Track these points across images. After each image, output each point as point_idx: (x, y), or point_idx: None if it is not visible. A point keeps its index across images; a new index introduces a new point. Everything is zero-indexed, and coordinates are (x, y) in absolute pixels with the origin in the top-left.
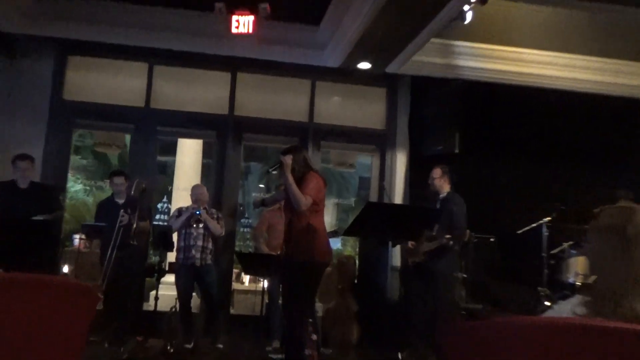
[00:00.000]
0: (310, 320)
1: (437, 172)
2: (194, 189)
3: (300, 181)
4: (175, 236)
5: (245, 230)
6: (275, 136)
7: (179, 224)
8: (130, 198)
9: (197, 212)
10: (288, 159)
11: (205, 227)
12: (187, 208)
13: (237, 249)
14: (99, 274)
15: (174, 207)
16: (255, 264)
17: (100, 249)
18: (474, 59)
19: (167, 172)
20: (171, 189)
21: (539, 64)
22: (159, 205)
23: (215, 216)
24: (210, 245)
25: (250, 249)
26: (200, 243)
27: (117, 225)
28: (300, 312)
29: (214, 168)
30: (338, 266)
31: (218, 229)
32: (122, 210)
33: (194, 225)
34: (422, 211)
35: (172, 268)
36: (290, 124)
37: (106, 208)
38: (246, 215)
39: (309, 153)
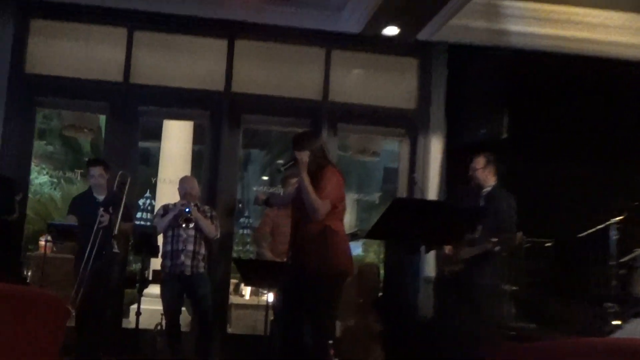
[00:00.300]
0: (331, 342)
1: (480, 162)
2: (183, 181)
3: (315, 177)
4: (160, 239)
5: (245, 232)
6: (281, 118)
7: (165, 225)
8: (112, 194)
9: (187, 210)
10: (305, 156)
11: (197, 228)
12: (174, 205)
13: (235, 254)
14: (70, 284)
15: (158, 203)
16: (257, 273)
17: (75, 255)
18: (526, 23)
19: (150, 162)
20: (155, 182)
21: (607, 28)
22: (141, 202)
23: (208, 215)
24: (202, 250)
25: (251, 255)
26: (190, 247)
27: (96, 226)
28: (319, 332)
29: (206, 156)
30: (359, 276)
31: (212, 230)
32: (101, 209)
33: (183, 226)
34: (462, 209)
35: (157, 277)
36: (299, 103)
37: (82, 205)
38: (246, 214)
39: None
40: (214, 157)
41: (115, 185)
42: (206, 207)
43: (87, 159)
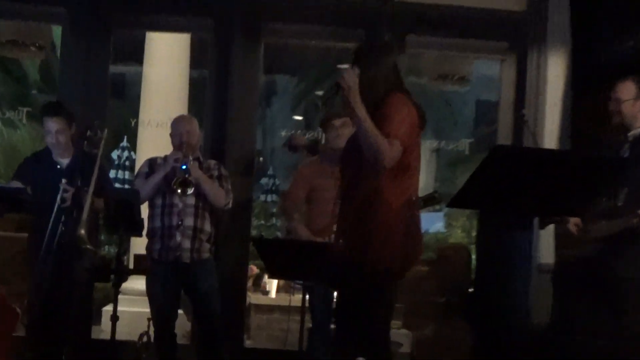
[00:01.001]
0: None
1: (627, 90)
2: (177, 124)
3: (376, 110)
4: (145, 210)
5: (268, 198)
6: (320, 27)
7: (152, 189)
8: (80, 157)
9: (183, 167)
10: (352, 77)
11: (199, 195)
12: (164, 159)
13: (254, 232)
14: (19, 276)
15: (140, 157)
16: (287, 260)
17: (29, 243)
18: None
19: (126, 95)
20: (135, 125)
21: None
22: (115, 154)
23: (215, 174)
24: (207, 227)
25: (277, 233)
26: (189, 222)
27: (57, 204)
28: (377, 343)
29: (210, 87)
30: (438, 264)
31: (221, 196)
32: (64, 181)
33: (179, 192)
34: (597, 161)
35: (141, 266)
36: (348, 4)
37: (36, 172)
38: (270, 172)
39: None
40: (222, 87)
41: (85, 144)
42: (212, 163)
43: (42, 105)
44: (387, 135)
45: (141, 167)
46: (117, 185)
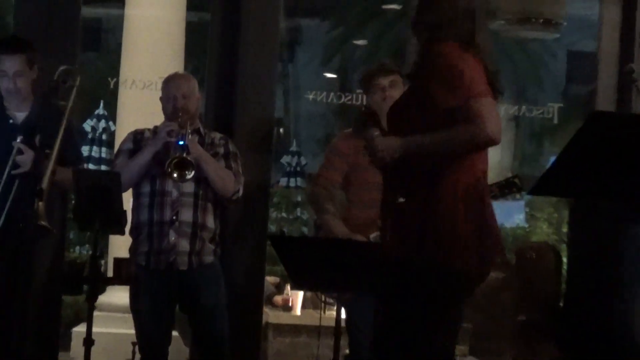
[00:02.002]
0: None
1: None
2: (171, 84)
3: (430, 64)
4: (128, 199)
5: (292, 182)
6: None
7: (138, 171)
8: (42, 111)
9: (180, 143)
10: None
11: (199, 180)
12: (154, 132)
13: (273, 227)
14: None
15: (122, 128)
16: (316, 266)
17: None
18: None
19: (104, 47)
20: (115, 86)
21: None
22: (88, 125)
23: (221, 151)
24: (210, 222)
25: (304, 228)
26: (187, 217)
27: (7, 171)
28: None
29: (214, 34)
30: (518, 269)
31: (229, 181)
32: (19, 139)
33: (174, 175)
34: None
35: (122, 273)
36: None
37: None
38: (293, 148)
39: None
40: (229, 35)
41: (48, 92)
42: (216, 136)
43: None
44: (466, 97)
45: (123, 142)
46: (91, 166)
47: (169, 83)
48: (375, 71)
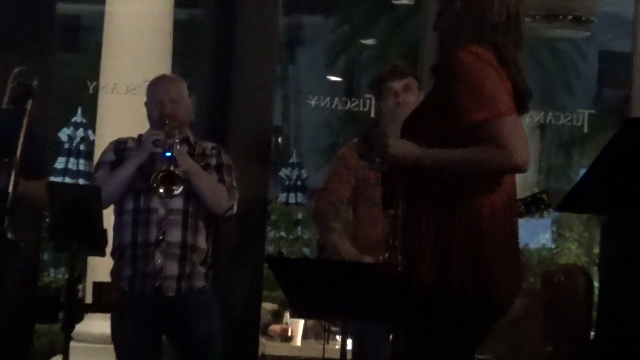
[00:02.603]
0: None
1: None
2: (157, 88)
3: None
4: (109, 216)
5: (291, 198)
6: None
7: (120, 185)
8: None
9: (167, 154)
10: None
11: (189, 195)
12: (139, 140)
13: (270, 249)
14: None
15: (102, 138)
16: (319, 291)
17: None
18: None
19: (82, 47)
20: (94, 91)
21: None
22: (64, 134)
23: (213, 162)
24: (200, 242)
25: (305, 249)
26: (176, 237)
27: None
28: None
29: (206, 33)
30: (544, 294)
31: (222, 197)
32: None
33: (161, 191)
34: None
35: (103, 299)
36: None
37: None
38: (294, 159)
39: None
40: (223, 34)
41: (6, 97)
42: (208, 146)
43: None
44: (491, 116)
45: (104, 152)
46: (67, 179)
47: (155, 86)
48: (387, 74)
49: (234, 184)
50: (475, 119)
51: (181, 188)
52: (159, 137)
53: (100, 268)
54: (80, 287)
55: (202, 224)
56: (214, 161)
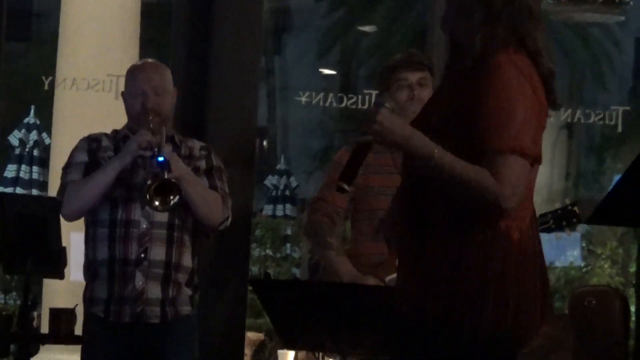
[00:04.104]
0: None
1: None
2: (138, 76)
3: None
4: (76, 230)
5: (278, 210)
6: None
7: (96, 194)
8: None
9: (160, 159)
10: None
11: (177, 205)
12: (115, 138)
13: (255, 269)
14: None
15: (60, 141)
16: (312, 317)
17: None
18: None
19: (34, 37)
20: (50, 87)
21: None
22: (14, 137)
23: (202, 165)
24: (186, 260)
25: (295, 270)
26: (159, 254)
27: None
28: None
29: (178, 19)
30: (575, 319)
31: (216, 206)
32: None
33: (156, 202)
34: None
35: (61, 328)
36: None
37: None
38: (281, 165)
39: None
40: (198, 20)
41: None
42: (195, 145)
43: None
44: (507, 149)
45: (75, 152)
46: (19, 190)
47: (136, 74)
48: (402, 62)
49: (227, 189)
50: (491, 145)
51: (177, 198)
52: (149, 138)
53: (57, 292)
54: (35, 314)
55: (188, 239)
56: (203, 164)
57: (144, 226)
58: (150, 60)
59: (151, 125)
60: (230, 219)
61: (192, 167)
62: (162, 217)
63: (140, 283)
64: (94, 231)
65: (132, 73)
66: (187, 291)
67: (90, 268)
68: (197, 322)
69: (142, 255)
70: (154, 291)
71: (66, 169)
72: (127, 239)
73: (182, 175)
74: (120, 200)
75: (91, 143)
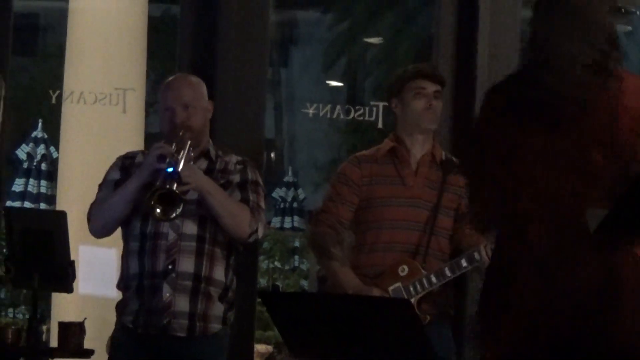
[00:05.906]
0: None
1: None
2: (168, 91)
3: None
4: (84, 246)
5: (286, 222)
6: None
7: (122, 207)
8: None
9: (169, 170)
10: None
11: (203, 219)
12: (138, 156)
13: (263, 281)
14: None
15: (68, 155)
16: (320, 329)
17: None
18: None
19: (40, 51)
20: (57, 100)
21: None
22: (22, 151)
23: (235, 179)
24: (218, 274)
25: (303, 282)
26: (187, 266)
27: None
28: None
29: (184, 32)
30: None
31: (242, 217)
32: None
33: (157, 211)
34: None
35: (69, 342)
36: None
37: None
38: (289, 177)
39: None
40: (204, 33)
41: None
42: (232, 160)
43: None
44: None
45: (109, 170)
46: (27, 204)
47: (167, 90)
48: (422, 72)
49: (262, 203)
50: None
51: (180, 209)
52: (163, 151)
53: (66, 306)
54: (43, 328)
55: (220, 252)
56: (237, 178)
57: (172, 238)
58: (181, 74)
59: (177, 140)
60: (261, 232)
61: (225, 180)
62: (191, 229)
63: (168, 295)
64: (127, 245)
65: (164, 89)
66: (220, 307)
67: (123, 280)
68: (228, 340)
69: (170, 267)
70: (182, 304)
71: (100, 186)
72: (155, 251)
73: (200, 185)
74: (150, 214)
75: (125, 160)
